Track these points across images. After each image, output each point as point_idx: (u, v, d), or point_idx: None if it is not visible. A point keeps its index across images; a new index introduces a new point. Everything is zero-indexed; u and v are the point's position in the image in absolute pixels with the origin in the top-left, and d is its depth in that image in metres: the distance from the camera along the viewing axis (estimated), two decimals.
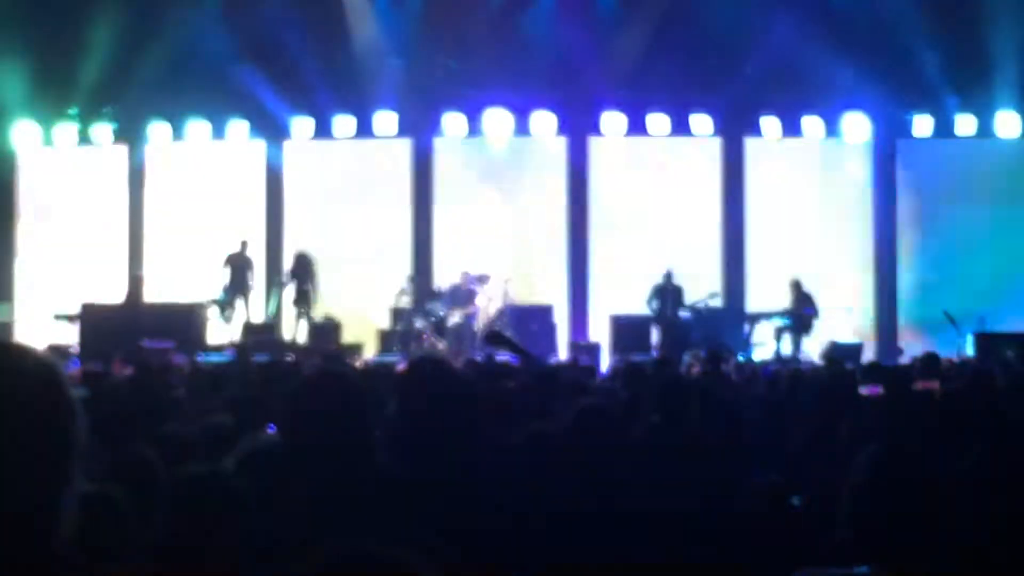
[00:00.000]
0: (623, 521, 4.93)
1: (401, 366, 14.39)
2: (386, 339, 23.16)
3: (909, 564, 3.78)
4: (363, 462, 3.46)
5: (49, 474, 2.20)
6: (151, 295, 23.65)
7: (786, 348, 22.57)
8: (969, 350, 21.06)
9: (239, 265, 23.94)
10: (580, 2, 24.35)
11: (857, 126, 24.59)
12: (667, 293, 22.96)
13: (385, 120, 24.89)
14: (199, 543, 3.92)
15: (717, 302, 23.33)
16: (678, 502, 5.30)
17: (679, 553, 4.96)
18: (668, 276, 23.06)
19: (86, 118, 25.47)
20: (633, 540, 4.89)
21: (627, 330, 22.70)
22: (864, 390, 10.51)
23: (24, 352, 2.32)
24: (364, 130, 25.02)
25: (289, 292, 23.95)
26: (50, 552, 2.20)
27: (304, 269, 23.77)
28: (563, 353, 22.13)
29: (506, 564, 4.22)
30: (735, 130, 25.01)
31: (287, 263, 24.45)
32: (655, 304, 22.94)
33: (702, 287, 23.32)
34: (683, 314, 22.93)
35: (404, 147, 25.62)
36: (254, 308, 24.17)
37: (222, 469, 4.36)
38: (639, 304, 23.00)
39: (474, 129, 24.87)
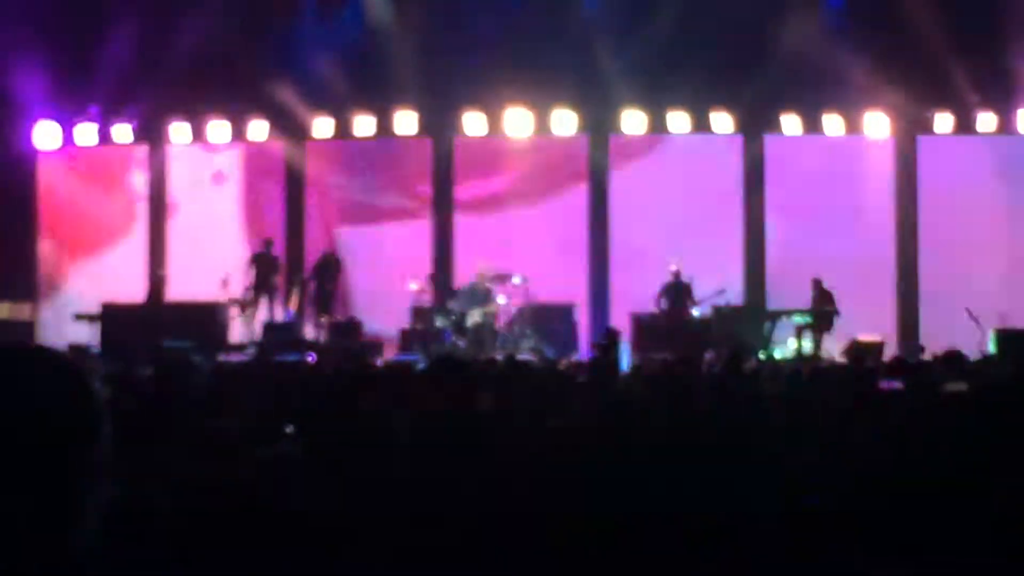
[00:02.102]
0: (641, 518, 4.94)
1: (421, 365, 14.43)
2: (407, 338, 23.17)
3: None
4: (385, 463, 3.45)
5: (75, 479, 2.16)
6: (172, 294, 23.72)
7: (807, 346, 22.54)
8: (991, 347, 21.03)
9: (263, 264, 23.96)
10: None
11: (878, 123, 24.54)
12: (676, 291, 22.93)
13: (406, 119, 24.95)
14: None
15: (725, 298, 23.20)
16: (694, 502, 5.31)
17: (695, 552, 4.97)
18: (676, 274, 23.02)
19: (106, 117, 25.56)
20: (649, 537, 4.90)
21: (648, 328, 22.69)
22: (885, 384, 10.52)
23: (48, 354, 2.26)
24: (385, 129, 25.08)
25: (311, 292, 24.04)
26: (69, 561, 2.15)
27: (328, 269, 23.82)
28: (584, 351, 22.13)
29: (523, 558, 4.23)
30: (756, 128, 25.00)
31: (309, 262, 24.57)
32: (664, 302, 22.93)
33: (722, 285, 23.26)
34: (694, 311, 22.92)
35: (426, 146, 25.72)
36: (277, 308, 24.23)
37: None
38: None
39: (495, 128, 24.90)
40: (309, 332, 23.71)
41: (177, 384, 11.00)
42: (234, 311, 23.46)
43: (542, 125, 24.83)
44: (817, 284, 22.92)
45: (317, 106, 25.04)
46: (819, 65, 23.54)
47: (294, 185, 26.11)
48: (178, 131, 25.54)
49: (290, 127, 25.43)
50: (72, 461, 2.15)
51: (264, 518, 4.11)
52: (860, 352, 18.67)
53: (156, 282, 24.07)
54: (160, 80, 24.51)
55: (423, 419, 4.49)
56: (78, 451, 2.17)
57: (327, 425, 4.02)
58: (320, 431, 4.43)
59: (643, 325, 22.91)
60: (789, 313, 23.13)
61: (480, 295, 22.91)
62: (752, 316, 23.50)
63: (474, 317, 22.61)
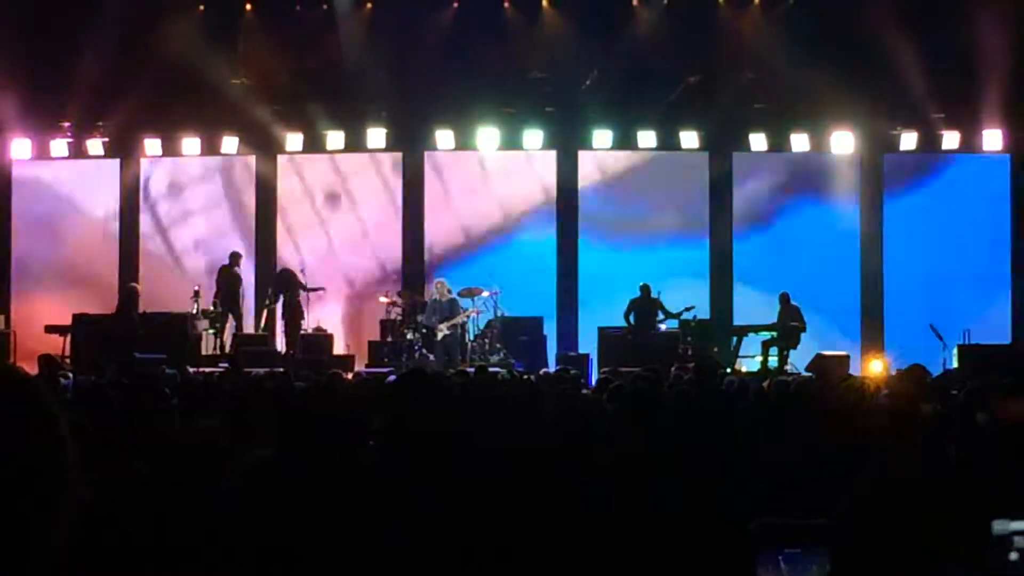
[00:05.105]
0: (603, 526, 5.04)
1: (391, 378, 14.52)
2: (377, 352, 23.26)
3: None
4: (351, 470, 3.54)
5: (30, 502, 2.06)
6: (143, 306, 23.70)
7: (773, 361, 22.67)
8: (954, 363, 21.24)
9: (230, 278, 24.00)
10: (570, 18, 24.47)
11: (844, 141, 24.67)
12: (644, 307, 23.04)
13: (376, 135, 25.00)
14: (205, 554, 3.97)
15: (693, 314, 23.31)
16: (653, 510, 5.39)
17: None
18: (645, 290, 23.14)
19: (80, 132, 25.54)
20: (613, 544, 4.99)
21: (616, 343, 22.79)
22: None
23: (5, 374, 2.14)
24: (355, 144, 25.14)
25: (278, 306, 24.08)
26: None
27: (287, 284, 23.87)
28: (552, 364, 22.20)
29: (489, 567, 4.34)
30: (723, 145, 25.14)
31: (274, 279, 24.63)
32: (632, 318, 23.05)
33: (689, 300, 23.36)
34: (662, 327, 23.05)
35: (395, 160, 25.80)
36: (246, 321, 24.29)
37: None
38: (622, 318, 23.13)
39: (464, 143, 25.00)
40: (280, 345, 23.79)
41: (149, 396, 11.06)
42: (204, 324, 23.48)
43: (512, 141, 24.94)
44: (784, 299, 23.06)
45: (287, 121, 25.11)
46: (786, 83, 23.73)
47: (264, 199, 26.12)
48: (150, 146, 25.50)
49: (260, 141, 25.48)
50: (28, 484, 2.07)
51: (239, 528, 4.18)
52: (824, 366, 18.81)
53: (128, 294, 23.99)
54: (133, 95, 24.48)
55: (393, 428, 4.60)
56: (33, 471, 2.08)
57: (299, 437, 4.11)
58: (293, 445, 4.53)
59: (610, 340, 23.00)
60: (756, 329, 23.28)
61: (441, 308, 23.00)
62: (719, 332, 23.68)
63: (442, 331, 22.73)
